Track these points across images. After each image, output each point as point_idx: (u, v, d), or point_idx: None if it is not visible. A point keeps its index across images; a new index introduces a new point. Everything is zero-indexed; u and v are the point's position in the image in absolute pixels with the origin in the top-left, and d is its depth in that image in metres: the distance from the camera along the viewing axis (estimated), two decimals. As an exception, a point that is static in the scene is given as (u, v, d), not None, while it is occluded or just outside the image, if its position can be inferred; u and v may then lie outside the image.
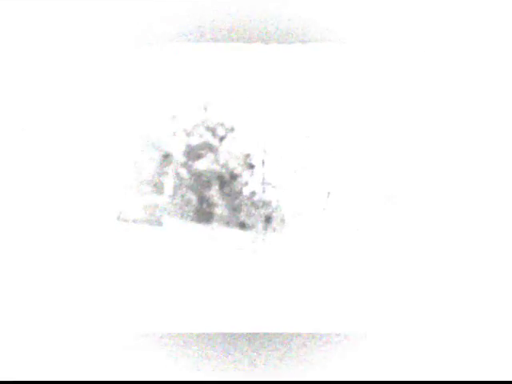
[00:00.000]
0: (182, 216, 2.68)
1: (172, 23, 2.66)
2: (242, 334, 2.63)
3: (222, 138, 2.70)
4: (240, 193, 2.69)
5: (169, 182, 2.69)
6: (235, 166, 2.69)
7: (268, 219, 2.68)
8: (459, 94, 2.68)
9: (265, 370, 2.64)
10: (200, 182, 2.69)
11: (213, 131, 2.71)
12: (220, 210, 2.68)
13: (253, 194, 2.69)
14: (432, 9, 2.67)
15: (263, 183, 2.69)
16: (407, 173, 2.67)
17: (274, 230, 2.68)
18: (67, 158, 2.66)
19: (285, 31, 2.66)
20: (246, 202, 2.69)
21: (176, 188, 2.69)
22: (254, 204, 2.69)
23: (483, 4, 2.67)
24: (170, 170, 2.69)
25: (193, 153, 2.70)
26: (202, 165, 2.70)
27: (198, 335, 2.64)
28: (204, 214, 2.68)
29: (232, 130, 2.70)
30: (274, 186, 2.69)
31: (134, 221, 2.67)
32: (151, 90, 2.70)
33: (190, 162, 2.70)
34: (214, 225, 2.68)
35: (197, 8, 2.65)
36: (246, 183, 2.69)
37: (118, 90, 2.69)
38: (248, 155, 2.70)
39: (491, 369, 2.62)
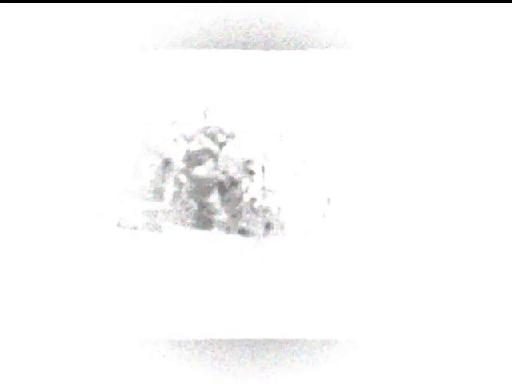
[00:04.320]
0: (182, 222, 2.68)
1: (173, 29, 2.65)
2: (239, 340, 2.63)
3: (222, 144, 2.70)
4: (240, 199, 2.69)
5: (169, 188, 2.69)
6: (235, 172, 2.69)
7: (268, 225, 2.68)
8: (463, 97, 2.68)
9: (261, 375, 2.64)
10: (200, 188, 2.69)
11: (213, 137, 2.70)
12: (220, 216, 2.68)
13: (253, 200, 2.69)
14: (436, 15, 2.67)
15: (263, 189, 2.69)
16: (408, 179, 2.67)
17: (274, 236, 2.68)
18: (67, 163, 2.66)
19: (286, 37, 2.66)
20: (246, 208, 2.68)
21: (176, 194, 2.69)
22: (254, 210, 2.68)
23: (486, 12, 2.66)
24: (170, 176, 2.69)
25: (193, 159, 2.70)
26: (202, 171, 2.69)
27: (197, 342, 2.64)
28: (204, 220, 2.68)
29: (232, 136, 2.70)
30: (274, 193, 2.69)
31: (134, 227, 2.67)
32: (151, 96, 2.70)
33: (190, 168, 2.70)
34: (214, 231, 2.68)
35: (197, 14, 2.64)
36: (246, 189, 2.69)
37: (118, 95, 2.69)
38: (248, 161, 2.69)
39: (482, 377, 2.62)
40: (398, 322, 2.64)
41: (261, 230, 2.68)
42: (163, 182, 2.69)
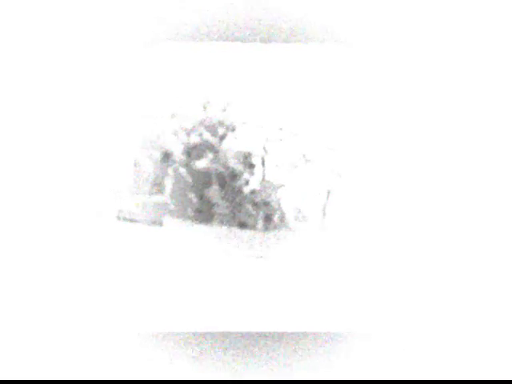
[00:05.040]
0: (181, 215, 2.68)
1: (172, 22, 2.66)
2: (243, 333, 2.63)
3: (222, 137, 2.70)
4: (240, 192, 2.68)
5: (169, 181, 2.69)
6: (235, 165, 2.69)
7: (268, 218, 2.68)
8: (459, 92, 2.67)
9: (265, 369, 2.64)
10: (200, 181, 2.69)
11: (213, 130, 2.70)
12: (220, 209, 2.68)
13: (253, 193, 2.69)
14: (434, 11, 2.67)
15: (263, 182, 2.69)
16: (408, 172, 2.67)
17: (274, 228, 2.67)
18: (66, 156, 2.66)
19: (285, 31, 2.66)
20: (246, 201, 2.68)
21: (176, 187, 2.69)
22: (254, 203, 2.68)
23: (484, 9, 2.66)
24: (170, 169, 2.69)
25: (193, 152, 2.70)
26: (202, 164, 2.69)
27: (198, 334, 2.64)
28: (204, 213, 2.68)
29: (232, 129, 2.70)
30: (274, 185, 2.69)
31: (134, 220, 2.67)
32: (151, 89, 2.70)
33: (190, 161, 2.70)
34: (214, 224, 2.68)
35: (197, 7, 2.65)
36: (247, 182, 2.69)
37: (118, 88, 2.69)
38: (248, 154, 2.69)
39: (491, 368, 2.61)
40: (399, 314, 2.64)
41: (261, 223, 2.67)
42: (163, 175, 2.69)
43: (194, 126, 2.70)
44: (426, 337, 2.63)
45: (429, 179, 2.66)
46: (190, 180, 2.69)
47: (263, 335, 2.63)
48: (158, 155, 2.69)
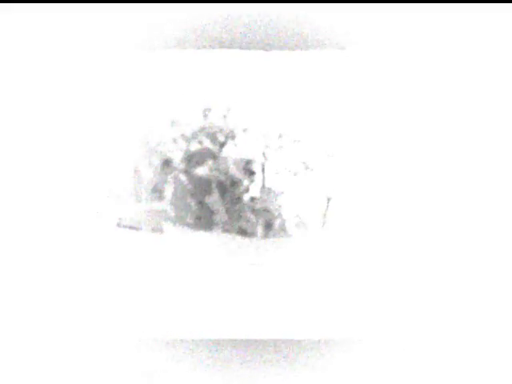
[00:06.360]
0: (181, 222, 2.68)
1: (173, 29, 2.65)
2: (240, 340, 2.63)
3: (222, 144, 2.70)
4: (240, 199, 2.69)
5: (169, 188, 2.69)
6: (235, 172, 2.69)
7: (268, 225, 2.68)
8: (458, 98, 2.67)
9: (262, 375, 2.64)
10: (200, 188, 2.69)
11: (213, 137, 2.70)
12: (220, 216, 2.68)
13: (253, 200, 2.69)
14: (430, 15, 2.66)
15: (263, 189, 2.69)
16: (407, 177, 2.67)
17: (274, 236, 2.67)
18: (66, 163, 2.66)
19: (285, 38, 2.65)
20: (246, 208, 2.68)
21: (176, 194, 2.68)
22: (254, 210, 2.68)
23: (480, 13, 2.66)
24: (170, 176, 2.69)
25: (193, 159, 2.70)
26: (202, 171, 2.69)
27: (197, 341, 2.64)
28: (204, 220, 2.68)
29: (232, 136, 2.70)
30: (274, 193, 2.69)
31: (134, 227, 2.67)
32: (151, 96, 2.69)
33: (190, 168, 2.69)
34: (214, 231, 2.68)
35: (197, 14, 2.64)
36: (247, 189, 2.69)
37: (118, 95, 2.69)
38: (248, 161, 2.69)
39: (484, 376, 2.62)
40: (397, 321, 2.65)
41: (261, 230, 2.67)
42: (163, 182, 2.69)
43: (194, 133, 2.70)
44: (421, 344, 2.64)
45: (428, 185, 2.66)
46: (189, 187, 2.69)
47: (262, 342, 2.64)
48: (158, 162, 2.69)
